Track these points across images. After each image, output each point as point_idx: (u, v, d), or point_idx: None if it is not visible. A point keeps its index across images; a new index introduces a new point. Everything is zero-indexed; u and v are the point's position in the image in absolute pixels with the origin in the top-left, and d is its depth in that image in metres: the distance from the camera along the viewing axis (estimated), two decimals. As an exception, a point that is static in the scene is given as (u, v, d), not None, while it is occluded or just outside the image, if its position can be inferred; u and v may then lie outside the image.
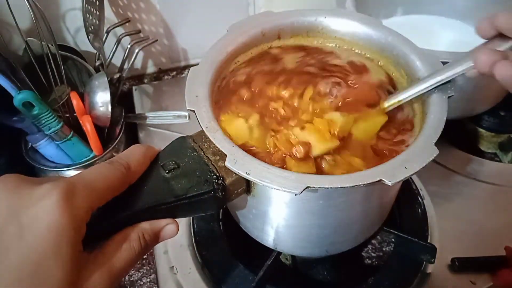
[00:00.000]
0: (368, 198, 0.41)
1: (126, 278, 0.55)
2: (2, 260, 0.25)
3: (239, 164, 0.33)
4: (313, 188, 0.32)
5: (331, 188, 0.32)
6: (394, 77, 0.46)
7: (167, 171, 0.34)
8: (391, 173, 0.33)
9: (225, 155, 0.34)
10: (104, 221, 0.31)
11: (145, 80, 0.79)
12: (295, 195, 0.32)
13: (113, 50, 0.66)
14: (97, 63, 0.64)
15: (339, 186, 0.32)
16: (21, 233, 0.26)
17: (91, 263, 0.29)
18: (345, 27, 0.48)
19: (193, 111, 0.37)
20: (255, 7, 0.75)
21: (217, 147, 0.35)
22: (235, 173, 0.34)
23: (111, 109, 0.58)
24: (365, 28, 0.47)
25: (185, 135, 0.38)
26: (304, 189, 0.31)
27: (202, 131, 0.36)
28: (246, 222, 0.46)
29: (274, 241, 0.45)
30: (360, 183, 0.32)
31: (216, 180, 0.34)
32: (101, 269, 0.29)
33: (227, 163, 0.33)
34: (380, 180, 0.32)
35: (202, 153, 0.36)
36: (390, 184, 0.32)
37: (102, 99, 0.58)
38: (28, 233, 0.26)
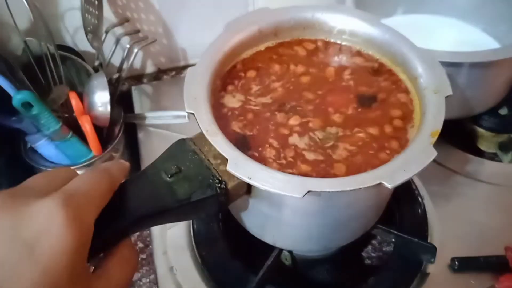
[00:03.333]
0: (366, 198, 0.42)
1: (126, 278, 0.55)
2: (15, 285, 0.23)
3: (240, 168, 0.33)
4: (314, 192, 0.32)
5: (332, 191, 0.32)
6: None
7: (169, 176, 0.34)
8: (391, 175, 0.33)
9: (227, 159, 0.34)
10: (106, 231, 0.30)
11: (144, 80, 0.79)
12: (296, 198, 0.32)
13: (112, 50, 0.65)
14: (96, 63, 0.63)
15: (340, 190, 0.32)
16: (31, 257, 0.24)
17: (96, 282, 0.28)
18: (342, 24, 0.48)
19: (193, 114, 0.37)
20: (255, 6, 0.75)
21: (218, 151, 0.35)
22: (237, 177, 0.33)
23: (110, 109, 0.58)
24: (362, 25, 0.47)
25: (184, 137, 0.37)
26: (306, 193, 0.31)
27: (202, 133, 0.36)
28: (246, 220, 0.46)
29: (273, 238, 0.45)
30: (361, 186, 0.32)
31: (219, 185, 0.34)
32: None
33: (228, 168, 0.33)
34: (380, 183, 0.32)
35: (203, 156, 0.36)
36: (390, 187, 0.32)
37: (101, 99, 0.58)
38: (39, 256, 0.24)
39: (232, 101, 0.43)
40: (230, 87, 0.45)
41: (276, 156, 0.38)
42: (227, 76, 0.46)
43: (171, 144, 0.37)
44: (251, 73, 0.46)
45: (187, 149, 0.36)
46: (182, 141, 0.37)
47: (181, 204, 0.33)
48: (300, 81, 0.46)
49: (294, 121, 0.41)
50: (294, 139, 0.40)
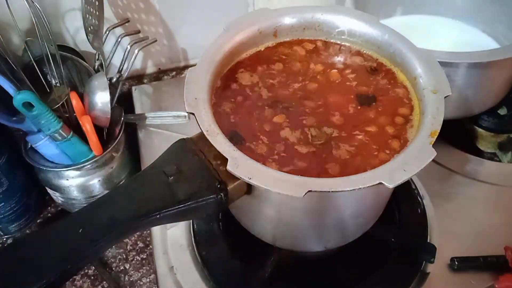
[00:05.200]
0: (366, 198, 0.42)
1: (126, 278, 0.55)
2: None
3: (240, 168, 0.33)
4: (314, 192, 0.32)
5: (332, 191, 0.32)
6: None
7: (169, 176, 0.34)
8: (391, 175, 0.33)
9: (227, 159, 0.34)
10: None
11: (145, 80, 0.79)
12: (296, 198, 0.32)
13: (113, 50, 0.65)
14: (97, 63, 0.63)
15: (340, 190, 0.32)
16: None
17: None
18: (342, 24, 0.48)
19: (193, 114, 0.37)
20: (255, 7, 0.75)
21: (218, 151, 0.35)
22: (237, 178, 0.34)
23: (111, 109, 0.58)
24: (362, 25, 0.48)
25: (185, 137, 0.38)
26: (306, 193, 0.31)
27: (202, 133, 0.36)
28: (246, 220, 0.46)
29: (273, 238, 0.45)
30: (361, 186, 0.32)
31: (219, 186, 0.34)
32: None
33: (228, 168, 0.33)
34: (380, 183, 0.32)
35: (204, 157, 0.36)
36: (390, 187, 0.32)
37: (101, 99, 0.58)
38: None
39: (246, 79, 0.45)
40: (260, 68, 0.46)
41: (268, 150, 0.39)
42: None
43: (171, 144, 0.37)
44: (279, 66, 0.47)
45: (188, 150, 0.36)
46: (182, 141, 0.37)
47: (181, 205, 0.33)
48: (307, 87, 0.46)
49: (278, 119, 0.42)
50: (285, 132, 0.41)
